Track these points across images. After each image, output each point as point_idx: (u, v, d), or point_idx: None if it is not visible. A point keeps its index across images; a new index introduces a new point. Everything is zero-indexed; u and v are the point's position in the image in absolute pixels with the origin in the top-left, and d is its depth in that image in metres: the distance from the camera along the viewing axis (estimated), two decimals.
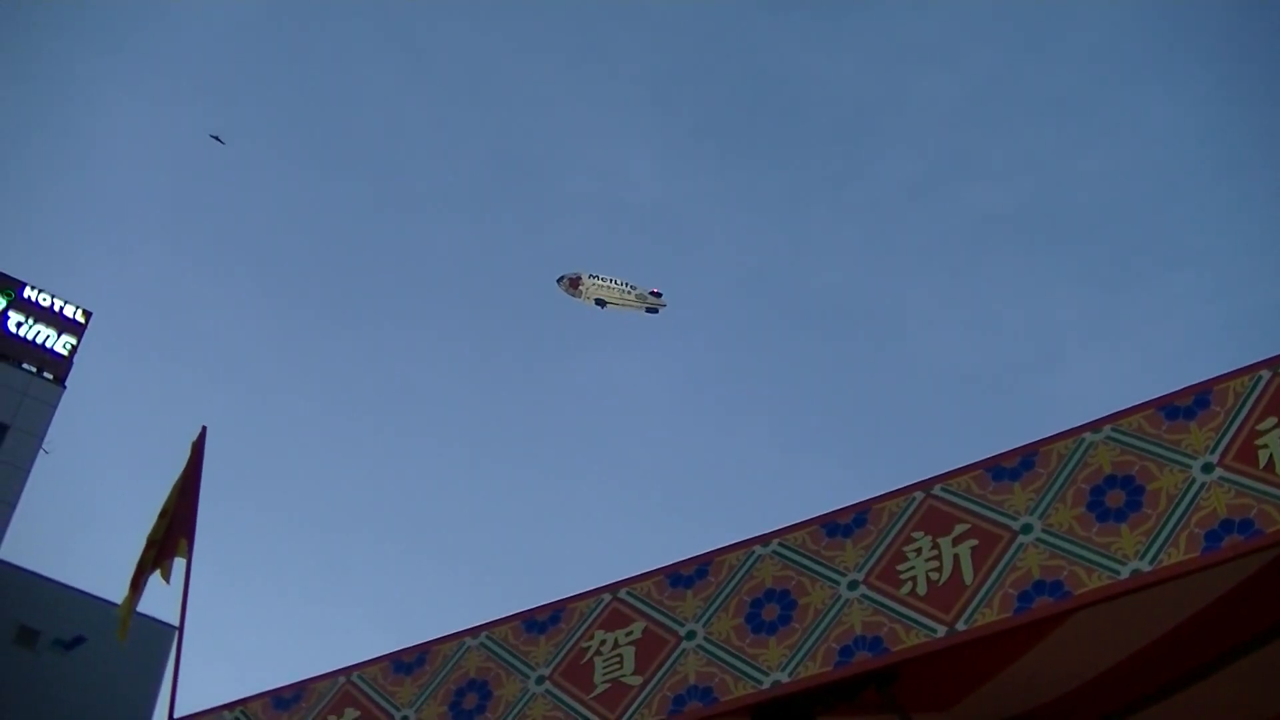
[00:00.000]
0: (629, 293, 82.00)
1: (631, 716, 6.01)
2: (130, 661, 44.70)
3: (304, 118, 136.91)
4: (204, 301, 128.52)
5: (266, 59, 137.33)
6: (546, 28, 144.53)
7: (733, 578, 6.25)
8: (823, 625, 5.87)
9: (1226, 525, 5.27)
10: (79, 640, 46.57)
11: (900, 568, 5.89)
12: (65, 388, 50.53)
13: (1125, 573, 5.37)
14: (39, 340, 50.42)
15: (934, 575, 5.78)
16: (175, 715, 7.33)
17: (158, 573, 8.72)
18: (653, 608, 6.35)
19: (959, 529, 5.86)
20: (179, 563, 8.74)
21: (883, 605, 5.80)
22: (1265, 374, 5.63)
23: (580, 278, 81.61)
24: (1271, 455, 5.38)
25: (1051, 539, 5.61)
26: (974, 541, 5.78)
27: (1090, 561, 5.46)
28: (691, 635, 6.15)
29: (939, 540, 5.87)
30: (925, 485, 6.11)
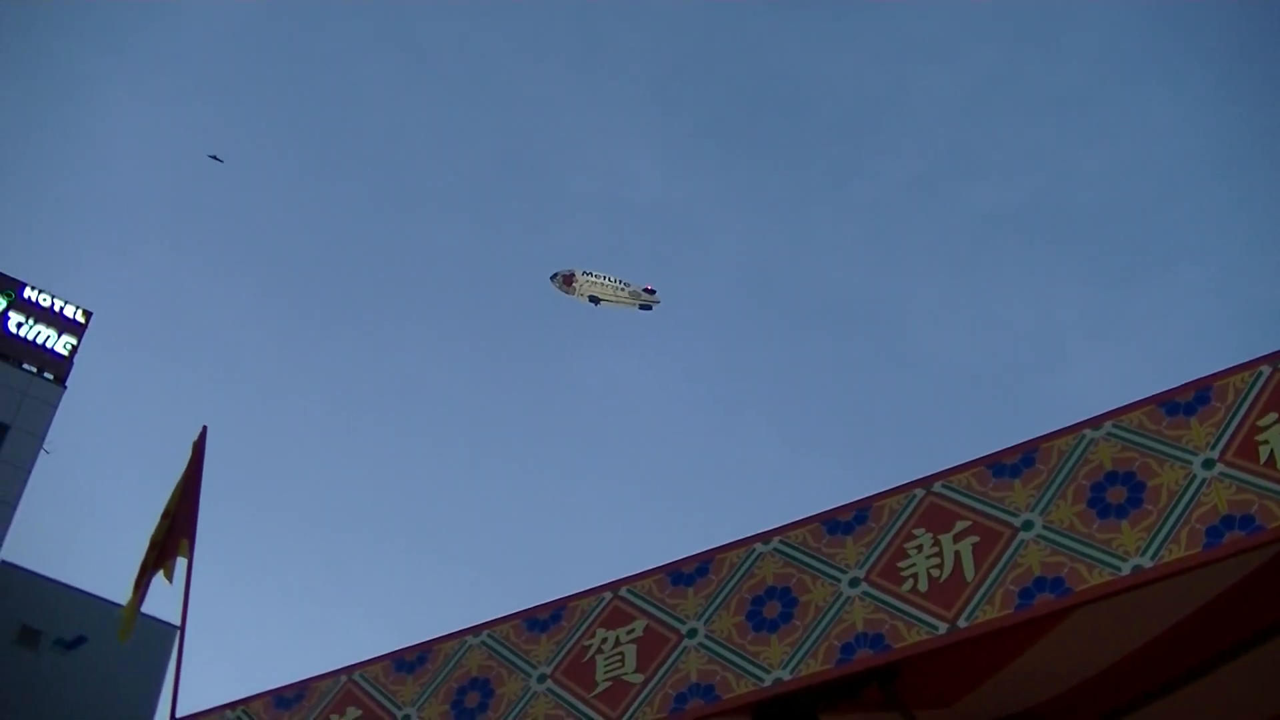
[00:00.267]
0: (622, 290, 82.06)
1: (633, 715, 6.01)
2: (132, 661, 44.70)
3: (306, 117, 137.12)
4: (204, 301, 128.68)
5: (269, 59, 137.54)
6: (548, 28, 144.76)
7: (734, 575, 6.25)
8: (824, 623, 5.87)
9: (1228, 521, 5.27)
10: (80, 640, 46.57)
11: (901, 565, 5.89)
12: (66, 388, 50.51)
13: (1126, 569, 5.37)
14: (39, 340, 50.40)
15: (935, 572, 5.78)
16: (177, 715, 7.33)
17: (160, 573, 8.72)
18: (654, 606, 6.35)
19: (960, 526, 5.86)
20: (180, 563, 8.74)
21: (884, 602, 5.80)
22: (1266, 370, 5.63)
23: (574, 275, 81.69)
24: (1272, 451, 5.38)
25: (1052, 536, 5.61)
26: (975, 538, 5.78)
27: (1091, 558, 5.46)
28: (693, 633, 6.15)
29: (940, 537, 5.87)
30: (926, 482, 6.11)
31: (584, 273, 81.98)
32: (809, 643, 5.84)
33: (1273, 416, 5.47)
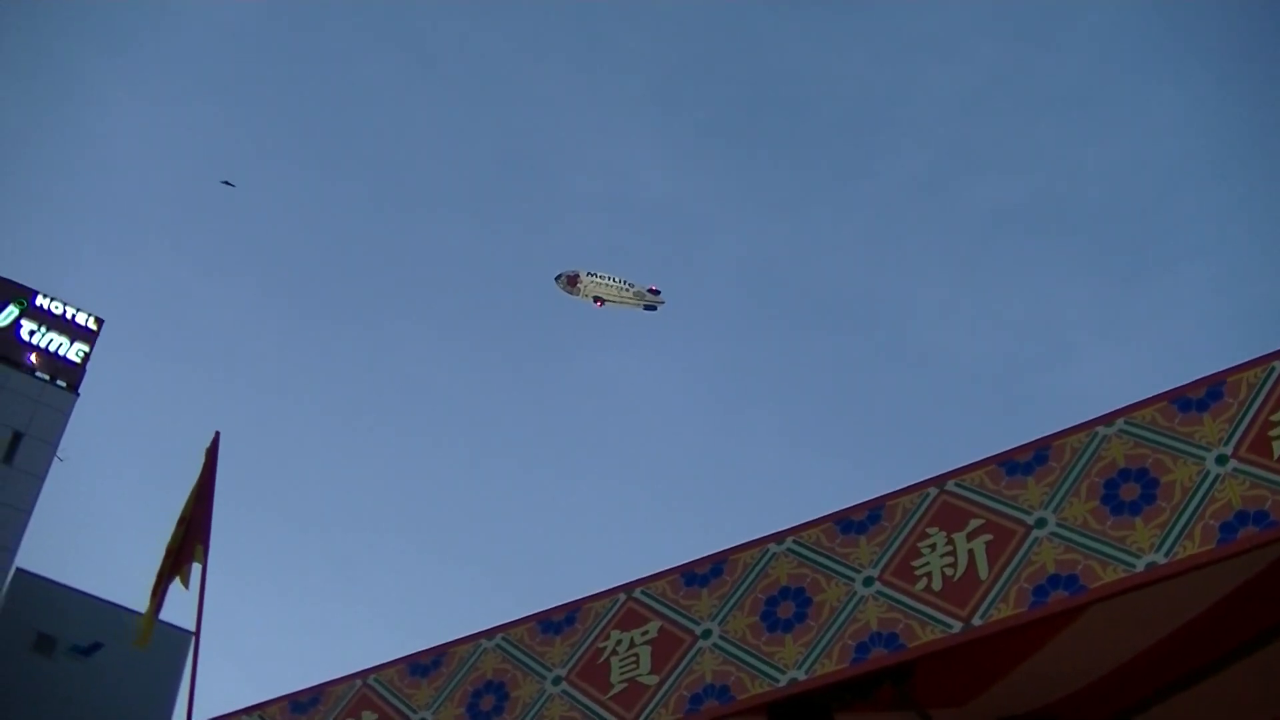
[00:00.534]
0: (627, 290, 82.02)
1: (649, 716, 6.02)
2: (147, 667, 44.77)
3: (309, 118, 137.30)
4: (212, 305, 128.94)
5: (271, 60, 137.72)
6: (551, 27, 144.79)
7: (748, 576, 6.25)
8: (838, 622, 5.87)
9: (1241, 517, 5.26)
10: (96, 647, 46.65)
11: (915, 564, 5.89)
12: (78, 395, 50.63)
13: (1140, 566, 5.36)
14: (52, 348, 50.52)
15: (949, 571, 5.78)
16: None
17: (177, 580, 8.76)
18: (668, 607, 6.35)
19: (973, 524, 5.86)
20: (195, 568, 8.78)
21: (898, 601, 5.80)
22: (1278, 365, 5.62)
23: (578, 275, 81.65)
24: None
25: (1066, 533, 5.61)
26: (988, 536, 5.78)
27: (1105, 555, 5.46)
28: (707, 634, 6.15)
29: (953, 536, 5.87)
30: (939, 481, 6.11)
31: (588, 273, 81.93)
32: (823, 643, 5.84)
33: None
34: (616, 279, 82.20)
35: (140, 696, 46.35)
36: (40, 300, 51.01)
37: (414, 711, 6.64)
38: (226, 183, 74.34)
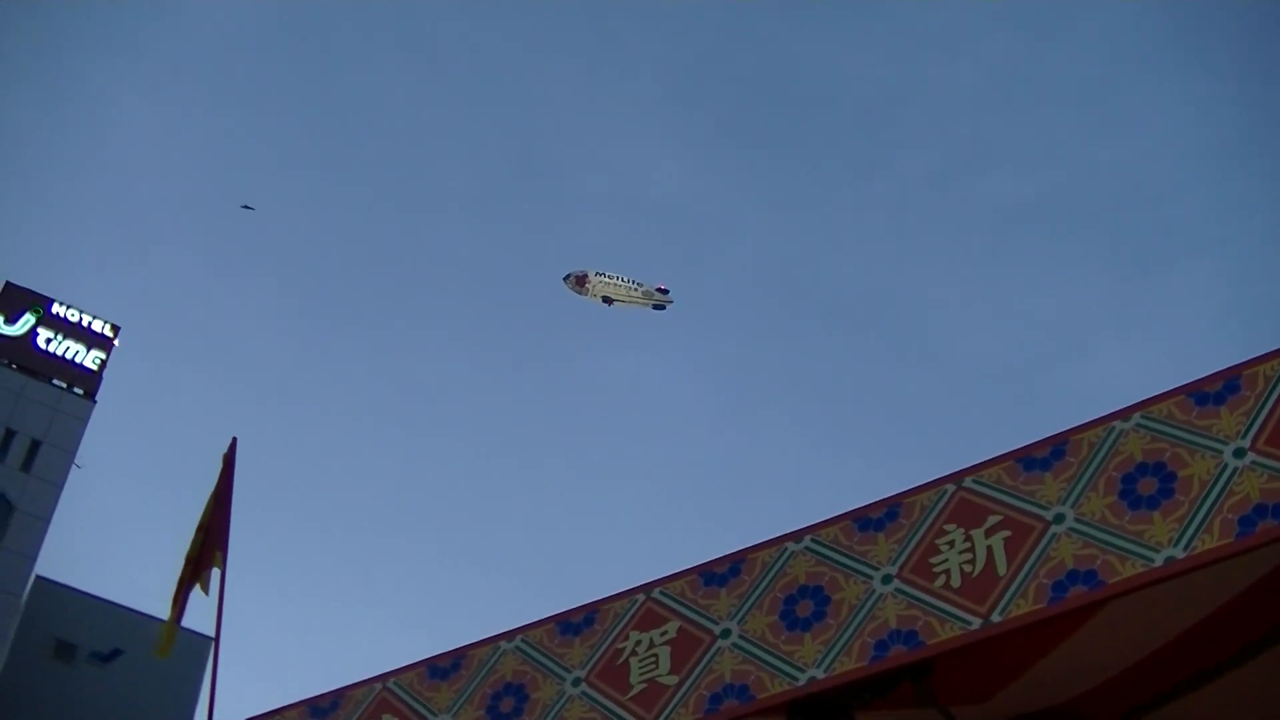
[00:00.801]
0: (635, 290, 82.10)
1: (668, 716, 6.02)
2: (167, 673, 44.86)
3: (318, 120, 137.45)
4: (226, 309, 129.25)
5: (282, 62, 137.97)
6: (562, 27, 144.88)
7: (766, 575, 6.25)
8: (857, 620, 5.87)
9: (1260, 510, 5.25)
10: (116, 653, 46.80)
11: (933, 561, 5.89)
12: (95, 402, 50.80)
13: (1159, 560, 5.36)
14: (68, 356, 50.69)
15: (967, 567, 5.77)
16: None
17: (197, 587, 8.78)
18: (687, 607, 6.36)
19: (991, 520, 5.86)
20: (214, 574, 8.80)
21: (917, 599, 5.80)
22: None
23: (587, 275, 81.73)
24: None
25: (1084, 528, 5.60)
26: (1007, 532, 5.77)
27: (1124, 550, 5.45)
28: (726, 633, 6.16)
29: (971, 532, 5.87)
30: (956, 477, 6.11)
31: (596, 273, 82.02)
32: (842, 641, 5.84)
33: None
34: (625, 279, 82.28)
35: (160, 703, 46.48)
36: (56, 308, 51.18)
37: (434, 715, 6.65)
38: (246, 206, 74.96)
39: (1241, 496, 5.32)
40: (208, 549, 8.80)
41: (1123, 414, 5.86)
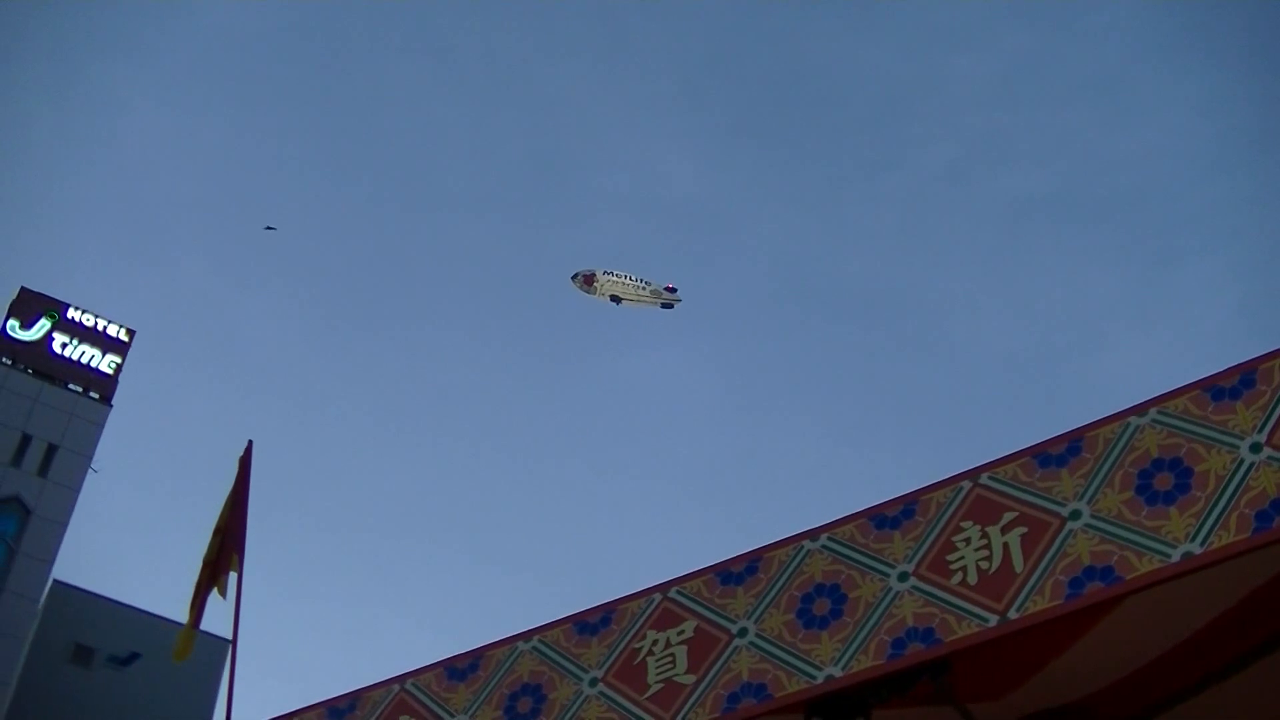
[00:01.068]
0: (644, 289, 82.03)
1: (686, 716, 6.02)
2: (185, 677, 44.97)
3: (333, 123, 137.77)
4: (241, 312, 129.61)
5: (295, 65, 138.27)
6: (576, 27, 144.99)
7: (782, 573, 6.25)
8: (874, 618, 5.87)
9: (1276, 505, 5.24)
10: (134, 657, 46.89)
11: (950, 558, 5.88)
12: (112, 406, 50.91)
13: (1176, 556, 5.35)
14: (84, 360, 50.81)
15: (984, 564, 5.77)
16: None
17: (214, 590, 8.80)
18: (704, 606, 6.36)
19: (1007, 517, 5.85)
20: (231, 577, 8.81)
21: (934, 596, 5.80)
22: None
23: (594, 275, 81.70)
24: None
25: (1101, 524, 5.59)
26: (1023, 529, 5.77)
27: (1140, 546, 5.44)
28: (743, 632, 6.16)
29: (988, 529, 5.86)
30: (972, 474, 6.10)
31: (604, 272, 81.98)
32: (860, 639, 5.84)
33: None
34: (633, 277, 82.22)
35: (178, 705, 46.55)
36: (72, 313, 51.32)
37: (451, 715, 6.66)
38: (269, 228, 75.59)
39: (1258, 491, 5.31)
40: (225, 552, 8.82)
41: (1138, 409, 5.85)
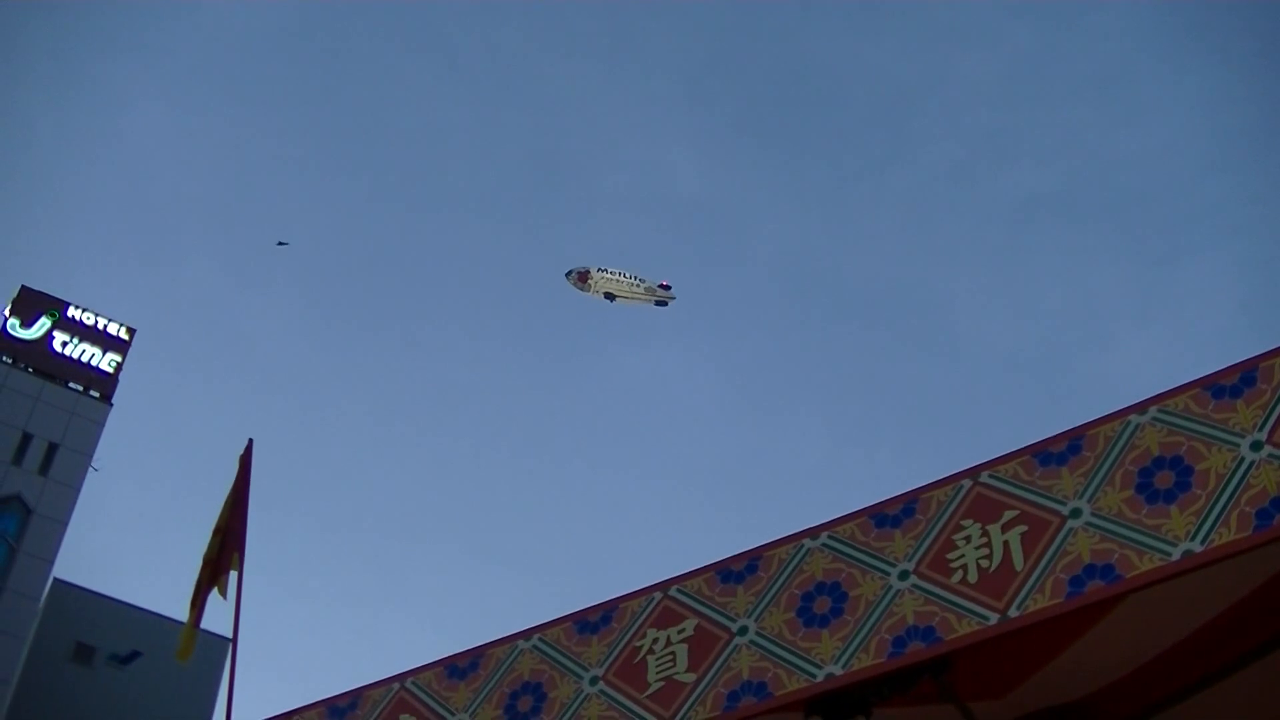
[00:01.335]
0: (638, 286, 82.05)
1: (686, 714, 6.02)
2: (186, 675, 45.02)
3: (337, 122, 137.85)
4: (243, 311, 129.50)
5: (299, 65, 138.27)
6: (579, 26, 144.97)
7: (783, 572, 6.25)
8: (875, 616, 5.87)
9: (1277, 503, 5.23)
10: (134, 655, 46.91)
11: (950, 556, 5.88)
12: (112, 405, 50.92)
13: (1177, 554, 5.34)
14: (85, 359, 50.81)
15: (984, 563, 5.76)
16: None
17: (215, 590, 8.80)
18: (704, 604, 6.36)
19: (1008, 515, 5.84)
20: (231, 576, 8.82)
21: (934, 594, 5.80)
22: None
23: (589, 272, 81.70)
24: None
25: (1101, 522, 5.59)
26: (1023, 527, 5.76)
27: (1141, 544, 5.44)
28: (744, 631, 6.15)
29: (988, 527, 5.86)
30: (973, 473, 6.09)
31: (599, 269, 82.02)
32: (860, 637, 5.84)
33: None
34: (627, 274, 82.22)
35: (179, 704, 46.59)
36: (72, 312, 51.32)
37: (452, 714, 6.66)
38: (281, 243, 75.82)
39: (1259, 489, 5.31)
40: (226, 551, 8.82)
41: (1139, 407, 5.85)
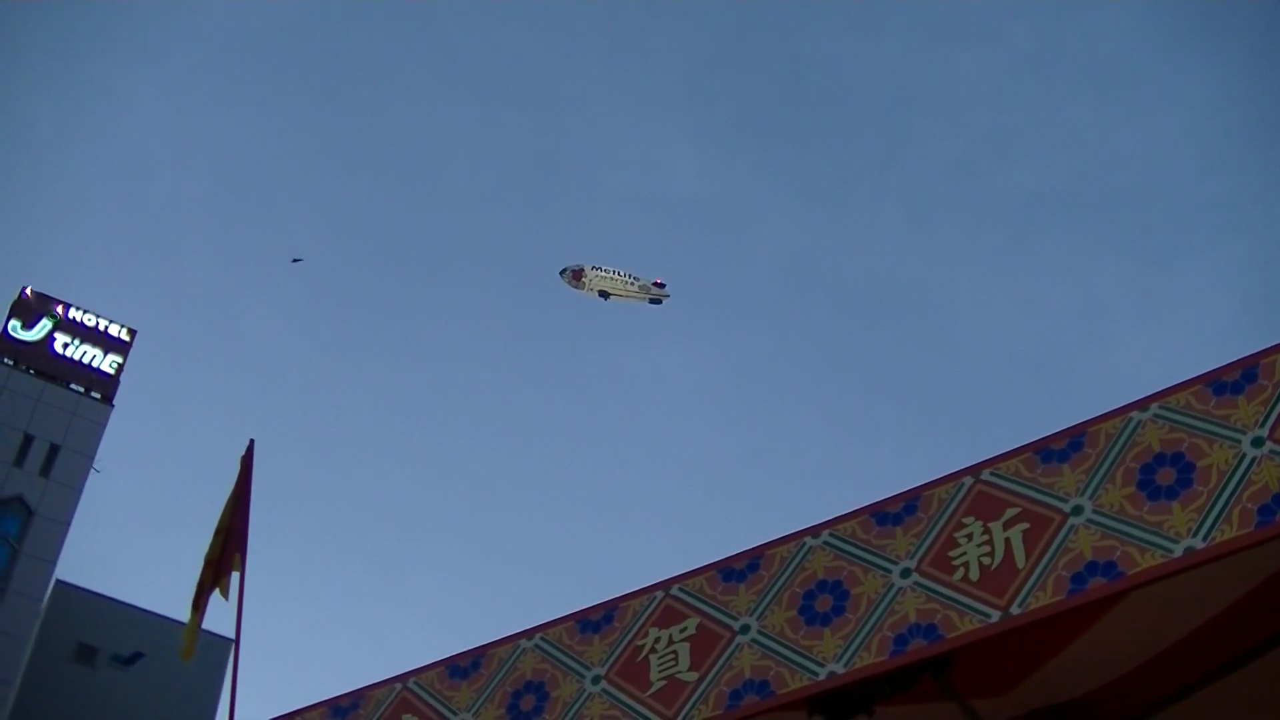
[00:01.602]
0: (632, 284, 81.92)
1: (688, 713, 6.02)
2: (188, 676, 44.99)
3: (339, 122, 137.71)
4: (244, 312, 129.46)
5: (299, 65, 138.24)
6: (580, 24, 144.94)
7: (785, 570, 6.24)
8: (876, 614, 5.86)
9: (1279, 499, 5.23)
10: (137, 656, 46.92)
11: (952, 554, 5.87)
12: (113, 406, 50.91)
13: (1178, 551, 5.34)
14: (86, 360, 50.81)
15: (986, 560, 5.76)
16: None
17: (217, 590, 8.80)
18: (706, 603, 6.35)
19: (1009, 513, 5.84)
20: (233, 576, 8.82)
21: (936, 592, 5.79)
22: None
23: (583, 270, 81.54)
24: None
25: (1103, 519, 5.58)
26: (1025, 525, 5.76)
27: (1143, 541, 5.43)
28: (746, 629, 6.15)
29: (990, 525, 5.85)
30: (974, 470, 6.09)
31: (593, 267, 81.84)
32: (862, 635, 5.84)
33: None
34: (621, 272, 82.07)
35: (181, 705, 46.59)
36: (73, 313, 51.32)
37: (454, 714, 6.66)
38: (296, 259, 76.16)
39: (1260, 486, 5.30)
40: (228, 552, 8.82)
41: (1140, 404, 5.84)
